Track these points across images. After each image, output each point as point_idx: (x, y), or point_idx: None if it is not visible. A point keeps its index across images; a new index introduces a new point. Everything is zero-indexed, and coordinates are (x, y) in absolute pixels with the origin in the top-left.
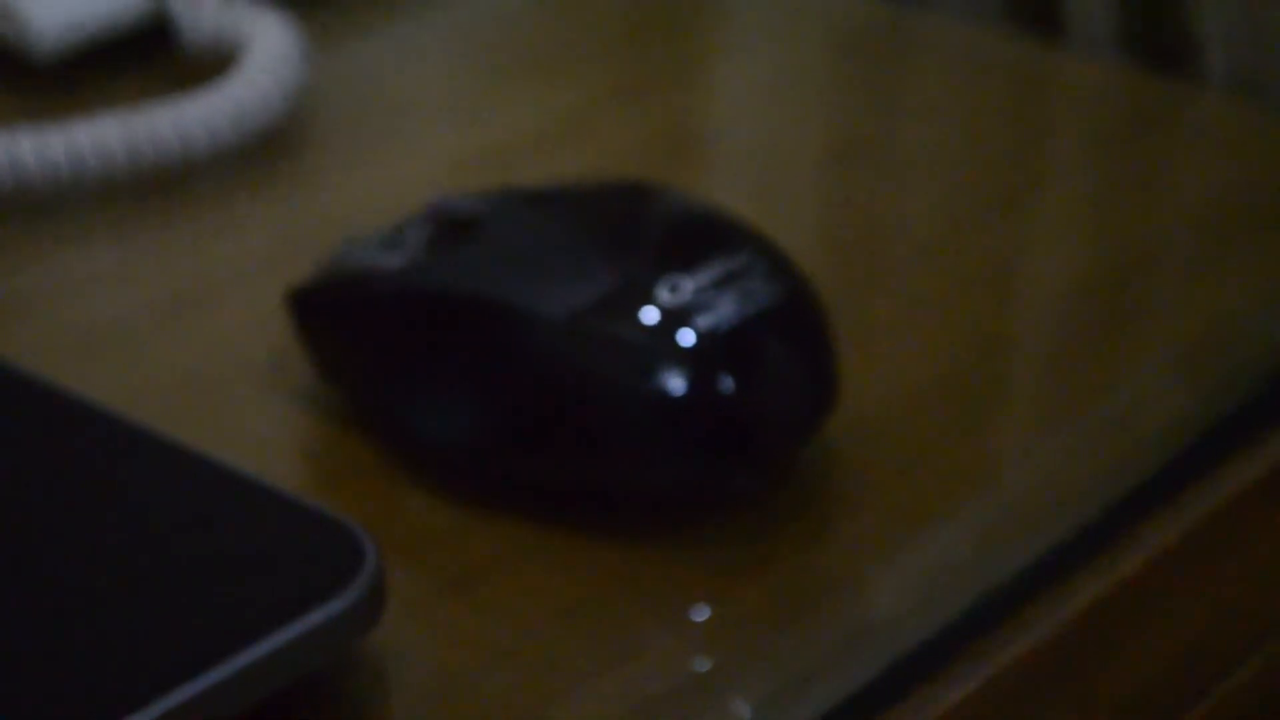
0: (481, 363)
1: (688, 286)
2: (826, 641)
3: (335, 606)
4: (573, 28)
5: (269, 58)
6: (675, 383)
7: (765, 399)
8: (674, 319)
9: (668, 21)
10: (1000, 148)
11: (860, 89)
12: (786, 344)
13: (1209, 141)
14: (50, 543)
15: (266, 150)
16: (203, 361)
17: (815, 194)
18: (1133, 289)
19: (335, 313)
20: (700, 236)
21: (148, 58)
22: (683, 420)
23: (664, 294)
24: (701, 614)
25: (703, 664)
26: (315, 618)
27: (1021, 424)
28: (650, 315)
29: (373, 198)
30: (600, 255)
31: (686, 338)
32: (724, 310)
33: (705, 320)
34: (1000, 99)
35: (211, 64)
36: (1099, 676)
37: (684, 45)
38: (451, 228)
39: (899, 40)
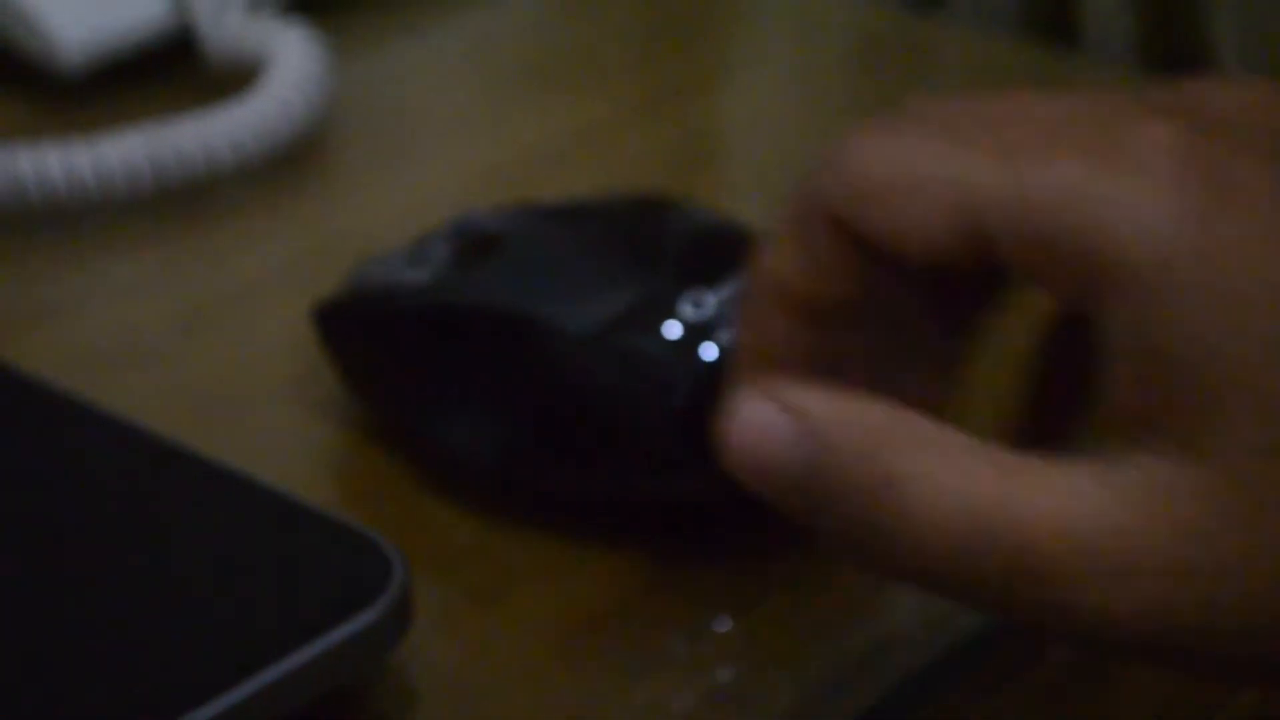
0: (506, 376)
1: (710, 301)
2: (848, 654)
3: (363, 620)
4: (591, 39)
5: (292, 72)
6: (698, 396)
7: None
8: (697, 333)
9: (685, 33)
10: None
11: (878, 99)
12: None
13: None
14: (76, 557)
15: (290, 164)
16: (227, 375)
17: None
18: None
19: (361, 328)
20: (722, 251)
21: (172, 72)
22: (706, 433)
23: (687, 308)
24: (724, 625)
25: (726, 675)
26: (344, 632)
27: None
28: (673, 329)
29: (395, 211)
30: (623, 270)
31: (709, 352)
32: None
33: (728, 335)
34: None
35: (235, 78)
36: (1115, 691)
37: (702, 57)
38: (475, 243)
39: (916, 49)
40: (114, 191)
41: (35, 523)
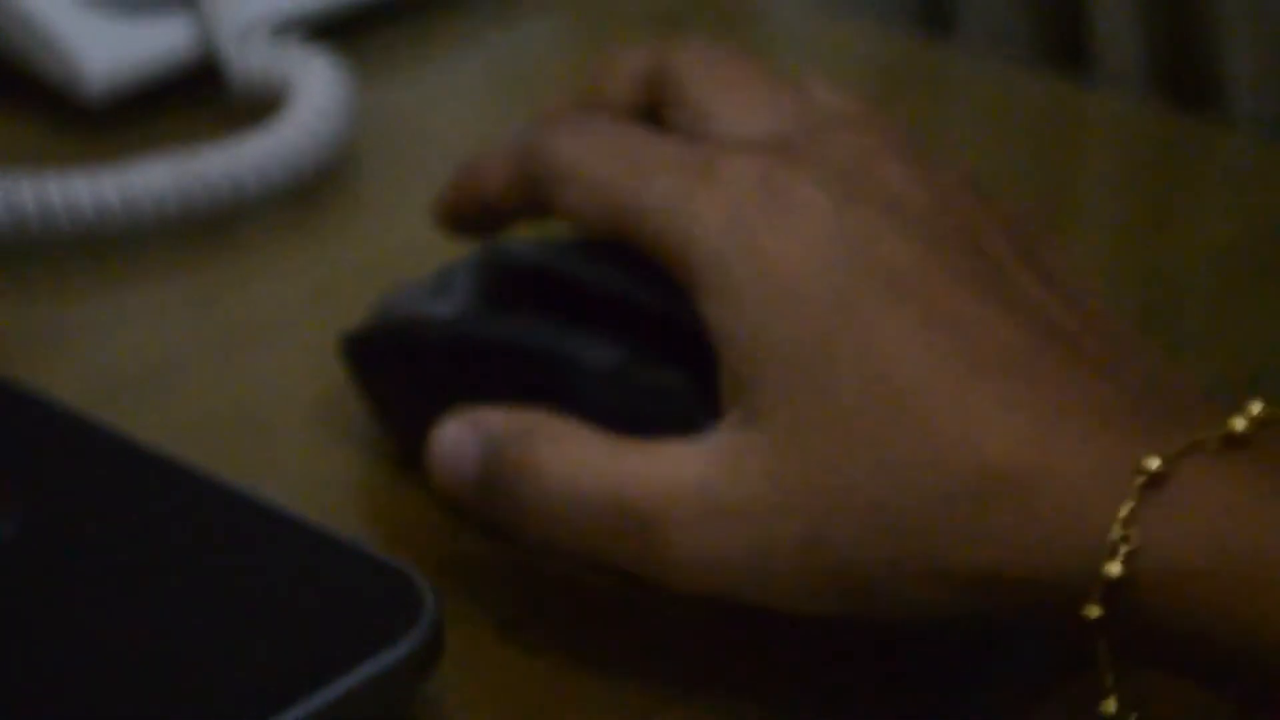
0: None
1: None
2: (863, 683)
3: (396, 654)
4: None
5: (318, 100)
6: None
7: None
8: (717, 367)
9: None
10: (1027, 185)
11: None
12: None
13: (1233, 182)
14: (102, 587)
15: (315, 191)
16: (255, 402)
17: None
18: (1154, 329)
19: (388, 359)
20: None
21: (198, 98)
22: None
23: (707, 343)
24: (747, 660)
25: (752, 711)
26: (376, 665)
27: None
28: (694, 364)
29: (421, 238)
30: (647, 304)
31: None
32: None
33: None
34: (1028, 135)
35: (260, 105)
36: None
37: None
38: (501, 276)
39: (930, 77)
40: (140, 219)
41: (61, 551)
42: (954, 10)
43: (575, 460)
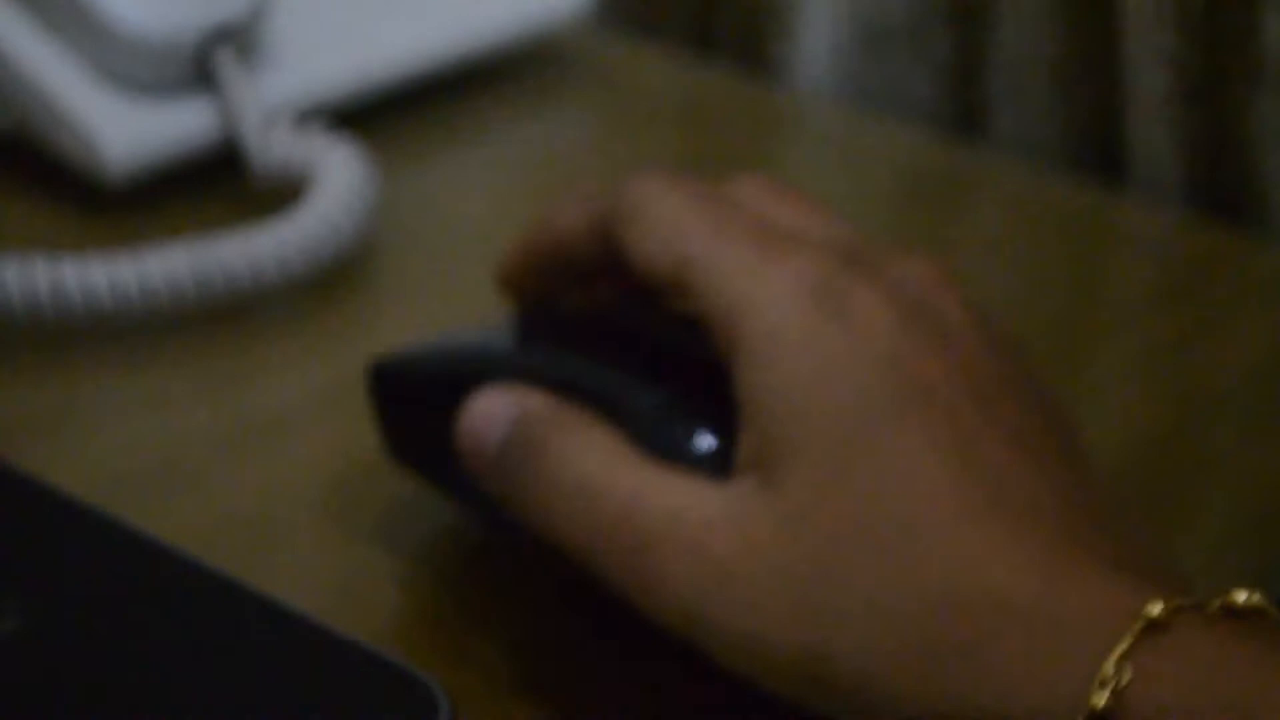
0: None
1: None
2: None
3: None
4: (638, 159)
5: (339, 188)
6: None
7: None
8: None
9: (732, 156)
10: (1061, 296)
11: (923, 232)
12: None
13: (1268, 296)
14: (110, 687)
15: (335, 280)
16: (266, 496)
17: None
18: (1192, 446)
19: (420, 388)
20: None
21: (218, 184)
22: None
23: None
24: None
25: None
26: None
27: None
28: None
29: (441, 329)
30: (684, 342)
31: None
32: None
33: None
34: (1062, 245)
35: (282, 192)
36: None
37: None
38: (541, 326)
39: (959, 181)
40: (157, 305)
41: (64, 647)
42: (986, 113)
43: (597, 457)
